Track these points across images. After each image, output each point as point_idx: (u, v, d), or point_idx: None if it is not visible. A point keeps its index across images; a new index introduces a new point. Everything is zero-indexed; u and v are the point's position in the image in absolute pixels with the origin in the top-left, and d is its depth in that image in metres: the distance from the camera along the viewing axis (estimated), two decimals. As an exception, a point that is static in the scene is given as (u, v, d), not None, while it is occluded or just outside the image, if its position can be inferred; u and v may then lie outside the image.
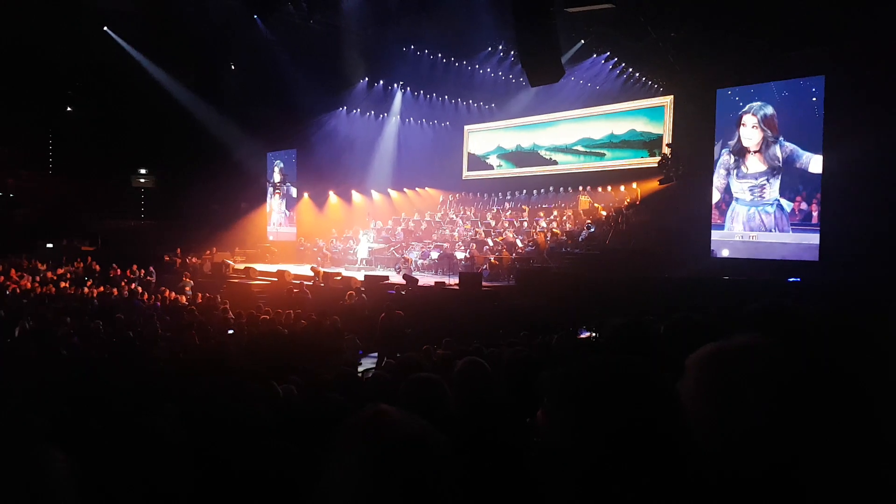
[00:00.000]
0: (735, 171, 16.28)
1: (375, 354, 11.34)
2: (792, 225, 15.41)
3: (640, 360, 1.16)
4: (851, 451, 1.16)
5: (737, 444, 1.14)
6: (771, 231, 15.68)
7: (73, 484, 1.38)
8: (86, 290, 17.79)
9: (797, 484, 1.11)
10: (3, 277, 18.85)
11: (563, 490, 1.08)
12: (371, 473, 1.04)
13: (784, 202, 15.53)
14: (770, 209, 15.71)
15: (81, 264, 22.54)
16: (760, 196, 15.86)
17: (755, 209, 15.95)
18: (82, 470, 1.45)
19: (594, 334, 5.53)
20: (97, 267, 21.78)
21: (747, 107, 16.09)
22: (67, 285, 18.88)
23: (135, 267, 21.30)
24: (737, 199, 16.29)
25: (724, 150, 16.53)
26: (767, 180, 15.73)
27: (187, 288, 18.69)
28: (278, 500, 1.79)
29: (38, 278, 19.54)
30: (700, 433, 1.14)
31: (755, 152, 15.94)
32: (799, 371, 1.18)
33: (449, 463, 1.07)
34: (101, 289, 18.05)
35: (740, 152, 16.20)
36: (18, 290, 17.02)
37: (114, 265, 21.62)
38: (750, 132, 15.99)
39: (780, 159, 15.49)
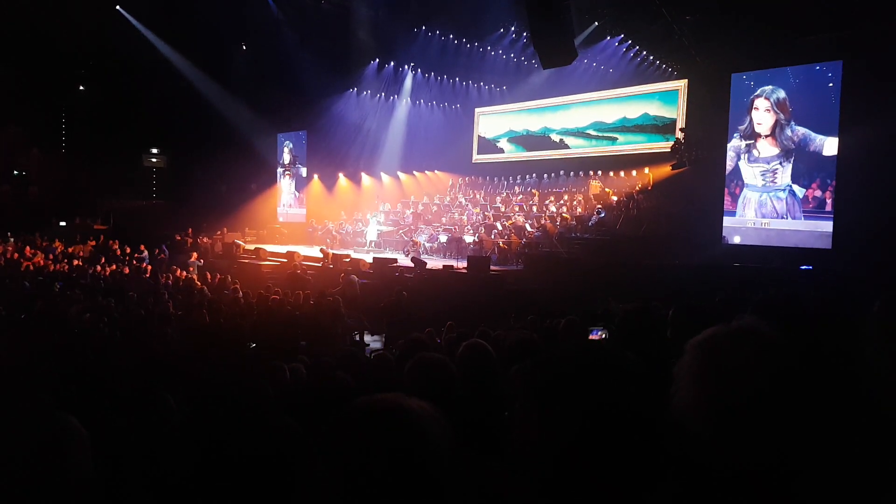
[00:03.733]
0: (746, 155, 16.14)
1: (376, 337, 11.39)
2: (804, 212, 15.29)
3: (604, 347, 1.16)
4: (843, 438, 1.17)
5: (727, 426, 1.15)
6: (783, 218, 15.55)
7: (90, 452, 1.42)
8: (98, 268, 17.93)
9: (786, 468, 1.12)
10: (17, 255, 19.03)
11: (536, 482, 1.09)
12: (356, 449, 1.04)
13: (796, 188, 15.40)
14: (782, 195, 15.58)
15: (94, 243, 22.72)
16: (773, 181, 15.73)
17: (767, 195, 15.82)
18: (95, 442, 1.49)
19: (604, 335, 5.45)
20: (117, 248, 21.88)
21: (759, 90, 15.92)
22: (80, 263, 19.02)
23: (142, 247, 21.42)
24: (748, 185, 16.16)
25: (735, 135, 16.39)
26: (781, 164, 15.57)
27: (192, 268, 18.77)
28: (280, 476, 1.82)
29: (51, 256, 19.72)
30: (693, 414, 1.15)
31: (767, 136, 15.80)
32: (792, 357, 1.18)
33: (441, 441, 1.08)
34: (114, 267, 18.19)
35: (752, 136, 16.04)
36: (32, 268, 17.19)
37: (136, 246, 21.77)
38: (762, 115, 15.81)
39: (794, 141, 15.34)
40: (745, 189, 16.22)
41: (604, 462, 1.03)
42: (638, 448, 1.04)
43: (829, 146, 14.85)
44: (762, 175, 15.87)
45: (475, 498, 1.58)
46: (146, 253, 21.10)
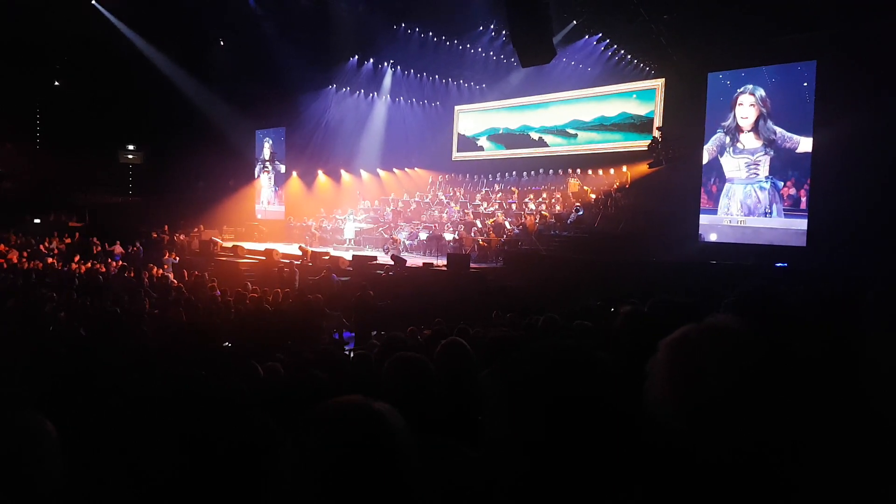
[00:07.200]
0: (731, 148, 16.33)
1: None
2: (783, 209, 15.54)
3: (574, 346, 1.17)
4: (818, 434, 1.19)
5: (699, 423, 1.16)
6: (768, 210, 15.69)
7: (60, 452, 1.40)
8: (73, 265, 17.70)
9: (758, 463, 1.13)
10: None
11: (507, 478, 1.10)
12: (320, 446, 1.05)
13: (778, 182, 15.64)
14: (766, 185, 15.80)
15: (69, 240, 22.46)
16: (755, 173, 15.95)
17: (751, 187, 16.02)
18: (68, 441, 1.47)
19: None
20: (97, 245, 21.62)
21: (742, 87, 16.13)
22: (55, 261, 18.77)
23: (106, 245, 21.24)
24: (731, 179, 16.35)
25: (718, 131, 16.56)
26: (765, 153, 15.80)
27: (166, 266, 18.61)
28: (256, 473, 1.81)
29: (25, 253, 19.44)
30: (665, 410, 1.16)
31: (749, 131, 16.01)
32: (762, 352, 1.20)
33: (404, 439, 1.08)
34: (89, 264, 17.96)
35: (735, 130, 16.23)
36: (6, 265, 16.92)
37: (111, 244, 21.53)
38: (747, 110, 16.02)
39: (775, 133, 15.58)
40: (727, 183, 16.39)
41: (572, 457, 1.04)
42: (606, 442, 1.05)
43: (804, 145, 15.11)
44: (746, 167, 16.07)
45: (443, 494, 1.59)
46: (119, 249, 20.88)
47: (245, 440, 2.00)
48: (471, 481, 1.71)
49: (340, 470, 1.01)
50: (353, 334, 11.06)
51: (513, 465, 1.09)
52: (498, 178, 25.18)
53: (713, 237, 16.55)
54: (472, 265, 16.06)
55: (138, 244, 21.57)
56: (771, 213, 15.66)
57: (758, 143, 15.92)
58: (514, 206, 21.88)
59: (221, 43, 23.59)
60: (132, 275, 16.64)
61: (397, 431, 1.08)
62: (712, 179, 16.75)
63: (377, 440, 1.05)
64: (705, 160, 16.81)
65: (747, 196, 16.08)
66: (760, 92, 15.86)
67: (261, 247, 21.16)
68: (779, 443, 1.14)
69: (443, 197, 24.99)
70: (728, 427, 1.14)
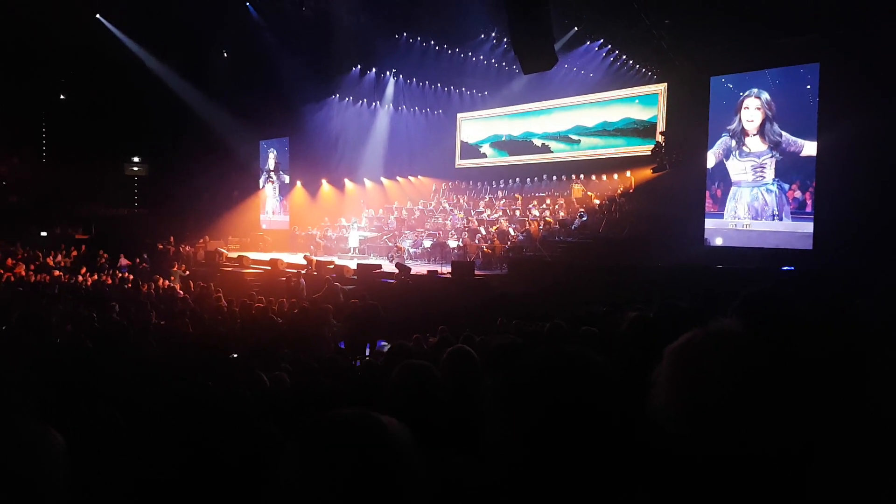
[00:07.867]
0: (737, 151, 16.31)
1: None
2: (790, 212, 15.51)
3: (573, 352, 1.17)
4: (823, 437, 1.19)
5: (702, 427, 1.16)
6: (776, 215, 15.65)
7: (68, 463, 1.40)
8: (80, 278, 17.77)
9: (761, 467, 1.13)
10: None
11: (508, 484, 1.10)
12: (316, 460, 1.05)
13: (784, 184, 15.62)
14: (772, 187, 15.77)
15: (76, 252, 22.54)
16: (762, 176, 15.93)
17: (758, 189, 15.99)
18: (74, 451, 1.47)
19: None
20: (104, 258, 21.72)
21: (747, 91, 16.12)
22: (61, 274, 18.84)
23: (107, 256, 21.37)
24: (737, 182, 16.31)
25: (724, 135, 16.53)
26: (771, 156, 15.78)
27: (172, 278, 18.64)
28: (258, 481, 1.81)
29: (32, 266, 19.51)
30: (667, 415, 1.16)
31: (755, 134, 15.99)
32: (767, 358, 1.20)
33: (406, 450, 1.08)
34: (95, 277, 18.03)
35: (741, 133, 16.22)
36: (13, 278, 16.98)
37: (117, 256, 21.64)
38: (753, 114, 15.99)
39: (781, 135, 15.58)
40: (733, 187, 16.36)
41: (572, 460, 1.04)
42: (605, 446, 1.05)
43: (808, 148, 15.09)
44: (753, 170, 16.04)
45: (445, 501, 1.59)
46: (125, 262, 20.97)
47: (249, 449, 2.00)
48: (472, 488, 1.71)
49: (341, 481, 1.01)
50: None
51: (513, 469, 1.09)
52: (501, 185, 25.19)
53: (719, 241, 16.51)
54: (476, 272, 16.04)
55: (146, 256, 21.63)
56: (780, 216, 15.60)
57: (763, 147, 15.91)
58: (517, 213, 21.87)
59: (224, 54, 23.71)
60: (130, 286, 16.71)
61: (400, 441, 1.07)
62: (716, 183, 16.71)
63: (379, 451, 1.04)
64: (711, 164, 16.78)
65: (754, 199, 16.05)
66: (766, 95, 15.86)
67: (266, 257, 21.18)
68: (782, 447, 1.14)
69: (446, 204, 24.99)
70: (731, 431, 1.14)
